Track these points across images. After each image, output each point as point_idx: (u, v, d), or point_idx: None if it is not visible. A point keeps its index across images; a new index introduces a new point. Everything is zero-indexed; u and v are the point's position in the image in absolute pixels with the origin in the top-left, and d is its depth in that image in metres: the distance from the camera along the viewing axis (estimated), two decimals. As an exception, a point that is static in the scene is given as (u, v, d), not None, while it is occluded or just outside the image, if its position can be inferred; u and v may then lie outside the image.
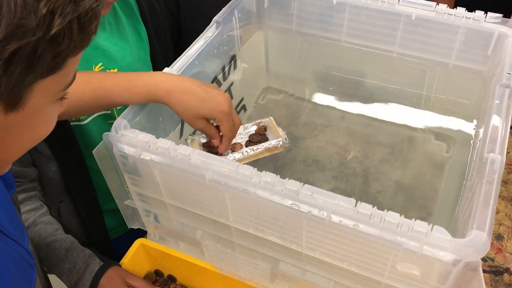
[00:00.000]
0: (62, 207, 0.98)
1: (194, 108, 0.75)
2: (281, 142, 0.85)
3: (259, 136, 0.89)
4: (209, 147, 0.85)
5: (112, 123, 0.73)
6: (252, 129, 0.91)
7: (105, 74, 0.76)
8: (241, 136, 0.90)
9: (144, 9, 0.96)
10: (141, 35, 0.97)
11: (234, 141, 0.87)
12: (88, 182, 0.95)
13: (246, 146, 0.87)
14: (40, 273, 0.77)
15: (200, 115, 0.76)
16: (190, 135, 0.90)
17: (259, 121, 0.91)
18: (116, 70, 0.92)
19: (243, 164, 0.65)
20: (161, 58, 1.01)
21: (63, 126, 0.87)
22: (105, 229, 1.04)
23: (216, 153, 0.82)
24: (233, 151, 0.85)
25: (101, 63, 0.90)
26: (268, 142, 0.85)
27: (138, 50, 0.96)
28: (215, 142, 0.81)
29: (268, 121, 0.91)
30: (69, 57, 0.44)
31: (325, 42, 1.05)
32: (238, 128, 0.82)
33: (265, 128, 0.90)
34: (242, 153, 0.84)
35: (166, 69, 0.80)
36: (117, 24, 0.92)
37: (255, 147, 0.85)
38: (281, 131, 0.88)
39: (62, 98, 0.51)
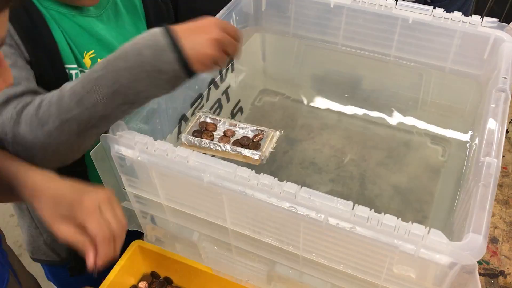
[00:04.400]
0: None
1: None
2: (257, 157, 0.84)
3: (249, 141, 0.89)
4: (200, 132, 0.90)
5: None
6: (251, 133, 0.91)
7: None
8: (236, 133, 0.91)
9: (149, 11, 0.96)
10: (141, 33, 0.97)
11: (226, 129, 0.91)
12: (86, 180, 0.95)
13: (233, 145, 0.87)
14: (17, 271, 0.75)
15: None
16: (200, 110, 0.94)
17: (263, 128, 0.91)
18: None
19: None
20: None
21: None
22: None
23: (204, 138, 0.87)
24: (219, 141, 0.87)
25: (93, 50, 0.87)
26: (247, 150, 0.86)
27: None
28: None
29: (270, 133, 0.90)
30: None
31: (322, 45, 1.06)
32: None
33: (261, 138, 0.90)
34: (220, 147, 0.85)
35: None
36: (116, 19, 0.91)
37: (234, 147, 0.86)
38: (268, 149, 0.87)
39: None
